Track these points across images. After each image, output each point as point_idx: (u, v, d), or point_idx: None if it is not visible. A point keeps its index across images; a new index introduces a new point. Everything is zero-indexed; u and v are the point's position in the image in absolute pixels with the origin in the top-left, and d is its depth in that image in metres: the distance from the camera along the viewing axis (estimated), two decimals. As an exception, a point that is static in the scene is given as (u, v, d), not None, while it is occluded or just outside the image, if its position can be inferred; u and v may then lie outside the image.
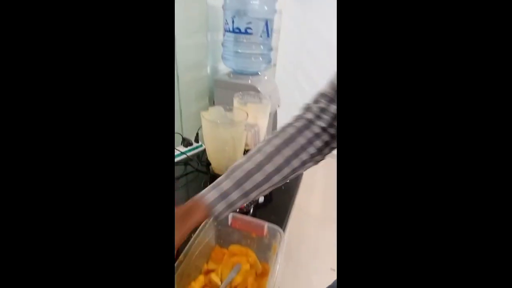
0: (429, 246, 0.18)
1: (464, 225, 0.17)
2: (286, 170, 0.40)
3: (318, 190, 1.92)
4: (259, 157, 0.39)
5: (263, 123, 0.76)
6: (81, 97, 0.20)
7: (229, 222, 0.56)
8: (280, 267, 0.47)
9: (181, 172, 0.90)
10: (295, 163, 0.40)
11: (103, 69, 0.21)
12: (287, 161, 0.39)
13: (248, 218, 0.56)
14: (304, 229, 1.56)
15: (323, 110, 0.40)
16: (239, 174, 0.39)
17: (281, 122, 1.42)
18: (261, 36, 1.05)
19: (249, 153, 0.41)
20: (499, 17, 0.16)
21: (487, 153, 0.17)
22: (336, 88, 0.40)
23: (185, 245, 0.48)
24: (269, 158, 0.39)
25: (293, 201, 0.82)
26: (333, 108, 0.39)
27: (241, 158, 0.41)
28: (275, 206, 0.78)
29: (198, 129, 1.06)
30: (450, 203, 0.18)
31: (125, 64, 0.21)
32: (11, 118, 0.19)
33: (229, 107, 0.68)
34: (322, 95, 0.41)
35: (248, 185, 0.38)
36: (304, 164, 0.41)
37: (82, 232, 0.20)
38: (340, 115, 0.22)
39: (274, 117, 1.20)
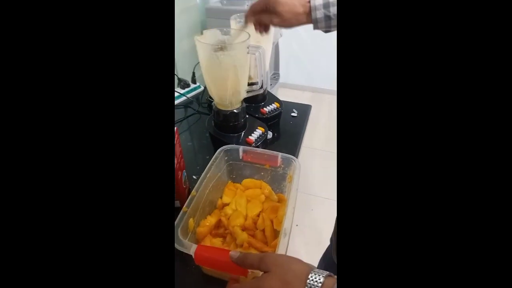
0: (430, 239, 0.18)
1: (462, 218, 0.17)
2: None
3: (321, 126, 1.89)
4: None
5: (268, 46, 0.67)
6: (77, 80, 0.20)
7: (240, 156, 0.52)
8: (298, 194, 0.44)
9: (182, 116, 0.85)
10: None
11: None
12: None
13: (260, 150, 0.52)
14: (311, 161, 1.61)
15: None
16: None
17: (284, 53, 1.30)
18: None
19: None
20: (499, 17, 0.16)
21: (486, 151, 0.17)
22: None
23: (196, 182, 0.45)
24: None
25: (303, 135, 0.78)
26: None
27: None
28: (283, 142, 0.75)
29: (194, 68, 0.96)
30: (450, 200, 0.18)
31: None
32: (10, 118, 0.19)
33: (226, 29, 0.58)
34: None
35: None
36: None
37: (79, 223, 0.20)
38: (340, 112, 0.21)
39: (276, 48, 1.08)
